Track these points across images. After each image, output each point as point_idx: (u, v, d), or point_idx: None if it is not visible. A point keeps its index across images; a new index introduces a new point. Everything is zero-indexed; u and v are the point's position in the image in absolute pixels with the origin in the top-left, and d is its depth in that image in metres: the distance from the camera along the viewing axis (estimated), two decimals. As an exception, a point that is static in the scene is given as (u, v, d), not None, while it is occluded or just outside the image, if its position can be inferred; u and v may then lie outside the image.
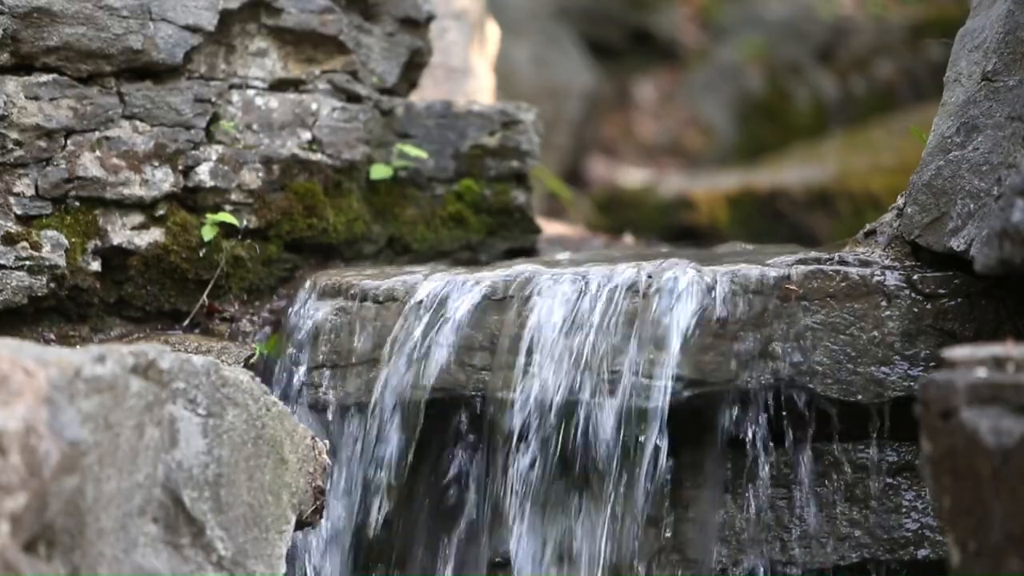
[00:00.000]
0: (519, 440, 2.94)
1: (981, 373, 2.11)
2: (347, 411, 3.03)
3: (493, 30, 4.82)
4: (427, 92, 4.01)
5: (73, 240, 3.12)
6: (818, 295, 2.90)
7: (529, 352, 2.92)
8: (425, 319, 2.98)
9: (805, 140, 7.32)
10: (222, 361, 2.61)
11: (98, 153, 3.15)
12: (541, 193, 5.31)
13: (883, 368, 2.88)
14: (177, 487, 2.34)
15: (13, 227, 3.07)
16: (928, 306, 2.90)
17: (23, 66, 3.11)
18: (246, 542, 2.43)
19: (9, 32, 3.06)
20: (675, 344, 2.87)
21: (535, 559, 2.94)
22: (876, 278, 2.91)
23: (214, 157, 3.26)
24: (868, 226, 3.14)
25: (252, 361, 3.12)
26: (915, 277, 2.92)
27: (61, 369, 2.14)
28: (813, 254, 3.05)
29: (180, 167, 3.22)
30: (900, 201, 3.07)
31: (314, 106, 3.38)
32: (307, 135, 3.37)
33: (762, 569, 2.90)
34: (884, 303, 2.90)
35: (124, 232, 3.19)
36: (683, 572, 2.93)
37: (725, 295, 2.89)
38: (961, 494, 2.08)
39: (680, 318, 2.88)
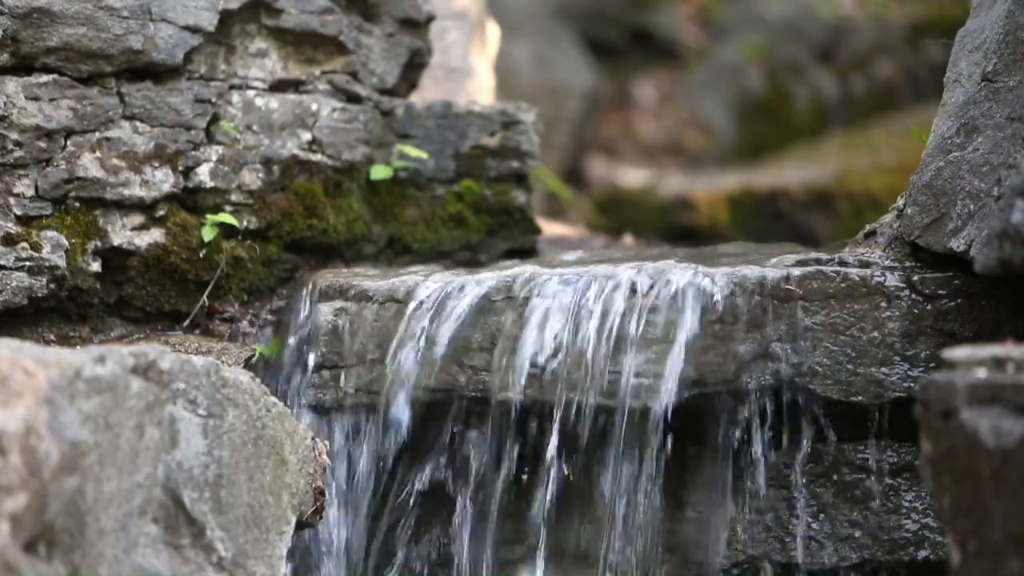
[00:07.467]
0: (519, 441, 2.94)
1: (981, 373, 2.11)
2: (347, 412, 3.03)
3: (493, 30, 4.82)
4: (427, 92, 4.01)
5: (73, 241, 3.12)
6: (818, 296, 2.90)
7: (529, 353, 2.92)
8: (425, 320, 2.98)
9: (805, 140, 7.32)
10: (222, 362, 2.61)
11: (98, 154, 3.15)
12: (541, 193, 5.31)
13: (883, 369, 2.88)
14: (177, 487, 2.34)
15: (13, 228, 3.07)
16: (928, 307, 2.90)
17: (23, 66, 3.11)
18: (246, 543, 2.43)
19: (9, 32, 3.06)
20: (675, 345, 2.87)
21: (537, 559, 2.94)
22: (876, 279, 2.91)
23: (214, 158, 3.26)
24: (868, 227, 3.15)
25: (252, 361, 3.12)
26: (915, 278, 2.92)
27: (61, 369, 2.14)
28: (813, 255, 3.05)
29: (180, 168, 3.22)
30: (900, 202, 3.07)
31: (314, 107, 3.38)
32: (307, 136, 3.37)
33: (762, 570, 2.91)
34: (884, 304, 2.90)
35: (124, 233, 3.19)
36: (684, 573, 2.93)
37: (725, 296, 2.89)
38: (961, 494, 2.08)
39: (680, 319, 2.88)
